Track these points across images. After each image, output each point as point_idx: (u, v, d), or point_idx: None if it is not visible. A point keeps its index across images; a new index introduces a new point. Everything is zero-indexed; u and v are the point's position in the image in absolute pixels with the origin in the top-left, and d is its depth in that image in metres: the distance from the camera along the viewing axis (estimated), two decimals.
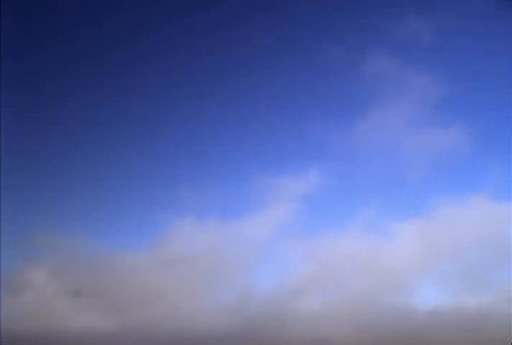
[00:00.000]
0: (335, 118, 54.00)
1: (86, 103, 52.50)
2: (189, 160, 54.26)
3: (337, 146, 52.73)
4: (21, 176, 48.19)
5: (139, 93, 54.28)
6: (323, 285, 46.62)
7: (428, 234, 47.92)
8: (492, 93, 49.17)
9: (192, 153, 54.29)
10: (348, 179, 52.13)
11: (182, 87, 54.60)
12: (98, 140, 53.57)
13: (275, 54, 54.02)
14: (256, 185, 51.12)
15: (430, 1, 50.70)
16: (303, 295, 46.05)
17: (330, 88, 53.86)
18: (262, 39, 53.20)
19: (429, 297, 44.93)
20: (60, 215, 50.12)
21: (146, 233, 50.87)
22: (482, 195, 47.24)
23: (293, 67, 53.96)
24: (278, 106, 54.49)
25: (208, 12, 52.09)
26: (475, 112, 50.80)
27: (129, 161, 53.85)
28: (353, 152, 52.90)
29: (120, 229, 51.45)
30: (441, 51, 51.07)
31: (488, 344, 36.51)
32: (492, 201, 47.19)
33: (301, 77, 53.82)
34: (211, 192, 50.79)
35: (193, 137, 54.23)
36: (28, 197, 49.11)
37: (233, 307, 44.69)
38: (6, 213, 40.85)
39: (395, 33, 51.45)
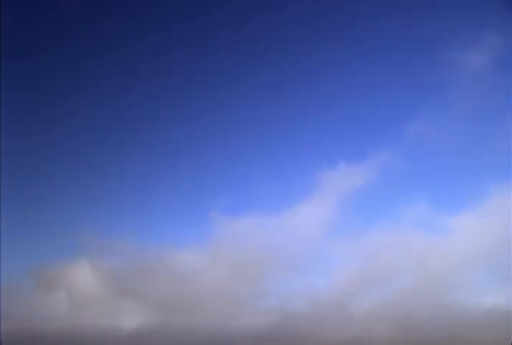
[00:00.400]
0: (387, 115, 54.26)
1: (86, 103, 52.67)
2: (237, 158, 55.75)
3: (390, 140, 52.26)
4: (21, 176, 48.45)
5: (139, 93, 54.49)
6: (375, 283, 44.56)
7: (486, 229, 44.20)
8: None
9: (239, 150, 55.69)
10: (401, 173, 51.07)
11: (182, 87, 55.00)
12: (98, 140, 53.91)
13: (277, 53, 54.46)
14: (307, 180, 51.07)
15: None
16: (353, 294, 44.19)
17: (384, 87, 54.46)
18: (264, 39, 53.56)
19: (486, 295, 41.63)
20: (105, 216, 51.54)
21: (194, 232, 51.49)
22: None
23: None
24: (331, 104, 55.39)
25: (208, 12, 52.28)
26: None
27: (139, 161, 54.71)
28: (405, 147, 51.70)
29: (169, 230, 52.62)
30: None
31: None
32: None
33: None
34: (262, 189, 51.39)
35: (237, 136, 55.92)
36: (30, 197, 49.51)
37: (283, 306, 43.62)
38: (6, 213, 40.93)
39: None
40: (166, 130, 56.20)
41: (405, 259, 44.48)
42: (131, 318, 42.91)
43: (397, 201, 50.60)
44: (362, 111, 54.72)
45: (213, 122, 55.79)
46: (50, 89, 52.34)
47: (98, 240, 46.33)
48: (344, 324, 40.17)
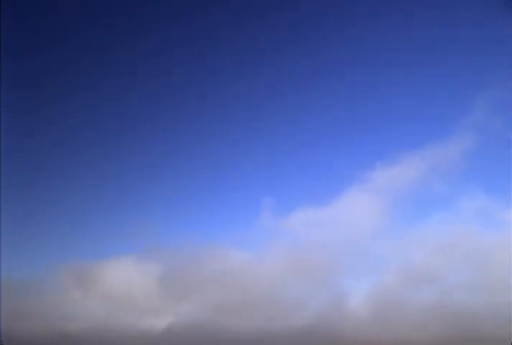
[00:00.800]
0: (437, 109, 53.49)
1: (86, 103, 52.67)
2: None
3: (436, 133, 50.94)
4: (21, 176, 48.48)
5: (139, 93, 54.50)
6: (425, 283, 42.73)
7: None
8: None
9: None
10: (456, 166, 49.25)
11: (182, 87, 54.98)
12: (98, 140, 53.95)
13: (277, 53, 54.45)
14: (358, 176, 50.02)
15: None
16: (408, 292, 42.61)
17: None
18: (264, 39, 53.52)
19: None
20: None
21: (243, 231, 50.55)
22: None
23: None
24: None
25: (208, 12, 52.23)
26: None
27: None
28: (460, 140, 49.49)
29: (216, 229, 52.78)
30: None
31: None
32: None
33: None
34: (312, 185, 50.90)
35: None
36: (30, 197, 49.62)
37: (335, 305, 42.71)
38: (6, 213, 40.94)
39: None
40: (166, 130, 56.23)
41: (461, 256, 42.98)
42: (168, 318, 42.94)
43: (453, 195, 49.19)
44: (364, 111, 54.76)
45: (214, 122, 55.84)
46: (50, 89, 52.41)
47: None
48: (398, 324, 39.14)
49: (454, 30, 50.55)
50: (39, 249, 48.13)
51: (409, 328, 38.47)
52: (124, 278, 45.65)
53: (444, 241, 44.30)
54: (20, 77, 47.66)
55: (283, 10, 52.75)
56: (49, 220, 50.43)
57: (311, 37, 53.70)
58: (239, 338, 39.37)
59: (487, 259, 42.36)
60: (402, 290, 42.90)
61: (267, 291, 44.30)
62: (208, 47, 53.61)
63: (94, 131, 53.90)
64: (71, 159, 52.83)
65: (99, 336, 39.74)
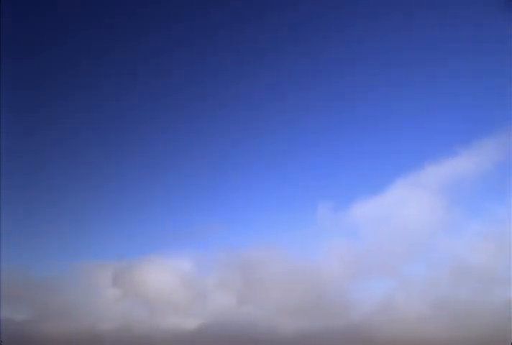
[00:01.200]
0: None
1: (86, 103, 52.69)
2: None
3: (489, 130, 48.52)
4: (21, 176, 48.50)
5: (139, 93, 54.50)
6: (483, 282, 41.25)
7: None
8: None
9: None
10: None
11: (182, 87, 54.98)
12: (98, 140, 53.95)
13: (277, 53, 54.45)
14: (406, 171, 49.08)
15: None
16: (457, 291, 41.51)
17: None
18: (264, 39, 53.54)
19: None
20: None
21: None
22: None
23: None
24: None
25: (208, 12, 52.25)
26: None
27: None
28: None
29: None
30: None
31: None
32: None
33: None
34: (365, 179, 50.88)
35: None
36: (30, 197, 49.62)
37: (386, 306, 41.79)
38: (6, 213, 40.96)
39: None
40: (166, 130, 56.25)
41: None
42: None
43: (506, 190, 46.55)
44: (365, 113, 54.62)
45: (214, 122, 55.88)
46: (50, 89, 52.43)
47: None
48: (448, 323, 38.30)
49: (454, 30, 50.58)
50: (38, 249, 48.29)
51: (463, 329, 37.45)
52: (158, 278, 46.07)
53: (505, 238, 41.69)
54: (20, 77, 47.78)
55: (283, 10, 52.78)
56: (49, 220, 50.46)
57: (311, 37, 53.74)
58: (295, 339, 39.37)
59: None
60: (459, 289, 41.96)
61: (322, 291, 44.07)
62: (208, 47, 53.67)
63: (94, 131, 53.93)
64: (71, 159, 52.83)
65: (129, 336, 40.22)
